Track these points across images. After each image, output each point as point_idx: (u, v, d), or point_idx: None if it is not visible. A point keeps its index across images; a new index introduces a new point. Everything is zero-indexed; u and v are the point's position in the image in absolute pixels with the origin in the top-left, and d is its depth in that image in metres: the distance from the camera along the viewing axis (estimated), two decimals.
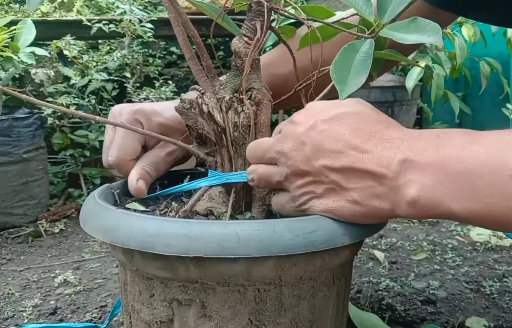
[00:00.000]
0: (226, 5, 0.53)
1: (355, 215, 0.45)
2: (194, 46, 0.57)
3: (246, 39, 0.52)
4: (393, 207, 0.43)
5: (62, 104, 1.65)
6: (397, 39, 0.47)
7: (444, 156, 0.40)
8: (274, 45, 2.37)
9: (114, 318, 0.94)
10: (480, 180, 0.38)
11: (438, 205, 0.40)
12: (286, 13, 0.52)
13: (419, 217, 0.43)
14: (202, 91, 0.56)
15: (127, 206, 0.59)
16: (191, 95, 0.58)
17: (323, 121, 0.45)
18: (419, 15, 0.66)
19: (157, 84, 1.83)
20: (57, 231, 1.49)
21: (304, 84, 0.56)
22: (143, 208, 0.59)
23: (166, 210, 0.57)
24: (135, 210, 0.57)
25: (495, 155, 0.38)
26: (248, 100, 0.53)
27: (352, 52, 0.48)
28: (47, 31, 1.81)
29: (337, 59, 0.47)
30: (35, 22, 1.56)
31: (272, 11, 0.53)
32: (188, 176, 0.68)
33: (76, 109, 1.71)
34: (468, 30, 1.72)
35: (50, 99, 1.68)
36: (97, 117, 0.57)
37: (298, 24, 0.56)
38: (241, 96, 0.53)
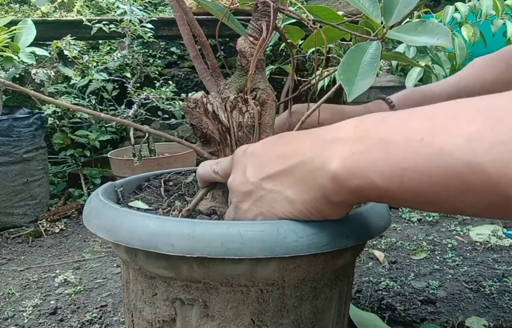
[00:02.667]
0: (232, 4, 0.52)
1: (293, 213, 0.45)
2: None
3: (251, 39, 0.52)
4: (321, 190, 0.42)
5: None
6: (406, 41, 0.47)
7: (362, 129, 0.40)
8: (274, 46, 2.37)
9: (115, 318, 0.94)
10: (394, 146, 0.37)
11: (360, 176, 0.39)
12: (292, 14, 0.52)
13: (346, 197, 0.41)
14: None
15: (130, 204, 0.59)
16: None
17: (256, 147, 0.48)
18: None
19: (157, 84, 1.83)
20: (57, 230, 1.49)
21: (308, 85, 0.56)
22: (146, 206, 0.59)
23: (169, 208, 0.57)
24: (138, 209, 0.57)
25: (410, 122, 0.37)
26: (253, 100, 0.53)
27: (359, 54, 0.48)
28: (47, 31, 1.82)
29: (344, 60, 0.47)
30: (35, 22, 1.57)
31: (278, 12, 0.53)
32: (193, 173, 0.67)
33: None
34: (467, 30, 1.72)
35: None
36: (102, 114, 0.57)
37: (301, 24, 0.56)
38: (245, 96, 0.53)
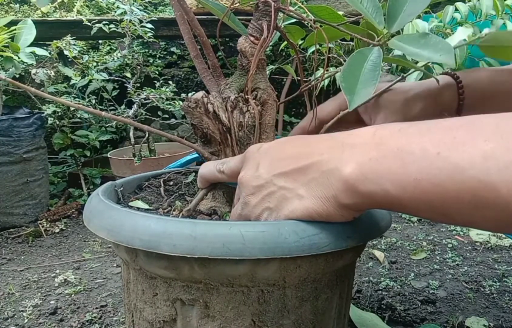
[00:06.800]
0: (232, 4, 0.52)
1: (309, 211, 0.45)
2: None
3: (252, 39, 0.52)
4: (333, 191, 0.43)
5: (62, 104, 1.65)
6: (409, 53, 0.46)
7: (381, 136, 0.41)
8: (274, 46, 2.37)
9: (115, 318, 0.94)
10: (410, 155, 0.38)
11: (374, 182, 0.39)
12: (292, 14, 0.52)
13: (356, 201, 0.41)
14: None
15: (130, 204, 0.59)
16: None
17: (270, 145, 0.49)
18: None
19: (157, 84, 1.83)
20: (57, 230, 1.49)
21: (308, 86, 0.56)
22: (146, 206, 0.59)
23: (169, 208, 0.57)
24: (138, 208, 0.57)
25: (428, 134, 0.38)
26: (254, 100, 0.53)
27: (360, 60, 0.48)
28: (47, 31, 1.82)
29: (346, 67, 0.46)
30: (35, 22, 1.57)
31: (279, 11, 0.53)
32: (193, 173, 0.67)
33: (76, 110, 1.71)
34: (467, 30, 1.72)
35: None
36: (103, 113, 0.57)
37: (301, 23, 0.56)
38: (246, 96, 0.53)
